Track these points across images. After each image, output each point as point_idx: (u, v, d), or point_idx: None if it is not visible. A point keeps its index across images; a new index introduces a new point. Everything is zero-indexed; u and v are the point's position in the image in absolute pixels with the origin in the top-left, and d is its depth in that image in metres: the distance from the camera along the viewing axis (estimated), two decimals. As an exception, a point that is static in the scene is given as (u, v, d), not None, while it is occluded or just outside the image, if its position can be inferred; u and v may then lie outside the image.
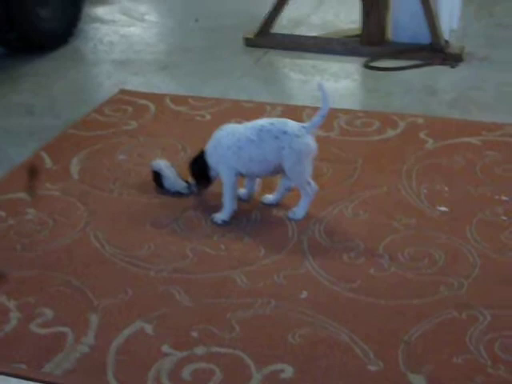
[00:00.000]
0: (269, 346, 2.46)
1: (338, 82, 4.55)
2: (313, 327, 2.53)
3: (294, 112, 3.93)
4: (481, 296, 2.64)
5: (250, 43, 5.10)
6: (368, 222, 3.08)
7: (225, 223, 3.10)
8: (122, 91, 4.38)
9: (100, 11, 5.87)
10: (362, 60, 4.77)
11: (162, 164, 3.33)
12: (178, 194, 3.29)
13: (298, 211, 3.11)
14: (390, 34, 4.97)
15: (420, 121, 3.92)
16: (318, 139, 3.71)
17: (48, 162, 3.60)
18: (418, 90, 4.40)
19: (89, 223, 3.12)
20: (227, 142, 3.08)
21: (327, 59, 4.86)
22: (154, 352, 2.45)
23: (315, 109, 4.02)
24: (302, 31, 5.31)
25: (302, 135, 3.02)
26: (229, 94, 4.33)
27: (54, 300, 2.69)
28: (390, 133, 3.82)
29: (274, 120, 3.11)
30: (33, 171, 3.40)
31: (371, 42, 4.89)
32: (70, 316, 2.61)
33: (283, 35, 5.18)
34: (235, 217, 3.12)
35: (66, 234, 3.06)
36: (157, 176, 3.32)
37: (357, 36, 5.02)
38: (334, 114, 4.00)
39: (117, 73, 4.74)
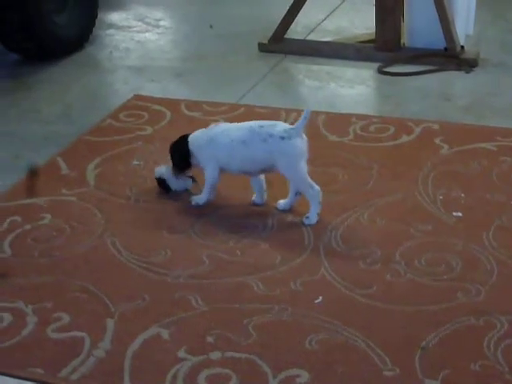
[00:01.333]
0: (285, 352, 2.46)
1: (353, 88, 4.55)
2: (329, 333, 2.52)
3: (309, 118, 3.92)
4: (498, 302, 2.63)
5: (264, 49, 5.11)
6: (384, 229, 3.08)
7: (198, 206, 3.23)
8: (137, 97, 4.40)
9: (115, 17, 5.89)
10: (377, 66, 4.77)
11: (163, 169, 3.36)
12: (186, 191, 3.35)
13: (311, 216, 3.12)
14: (405, 39, 4.96)
15: (435, 126, 3.92)
16: (333, 145, 3.75)
17: (64, 168, 3.62)
18: (432, 96, 4.39)
19: (106, 230, 3.13)
20: (222, 141, 3.15)
21: (342, 65, 4.86)
22: (170, 357, 2.45)
23: (330, 114, 4.06)
24: (316, 37, 5.31)
25: (289, 137, 3.05)
26: (243, 100, 4.34)
27: (71, 305, 2.70)
28: (405, 138, 3.82)
29: (264, 122, 3.17)
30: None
31: (386, 48, 4.89)
32: (87, 321, 2.62)
33: (297, 41, 5.19)
34: (251, 223, 3.13)
35: (83, 240, 3.07)
36: (162, 182, 3.35)
37: (371, 42, 5.02)
38: (348, 119, 4.02)
39: (132, 79, 4.76)
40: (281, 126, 3.10)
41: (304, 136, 3.10)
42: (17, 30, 4.76)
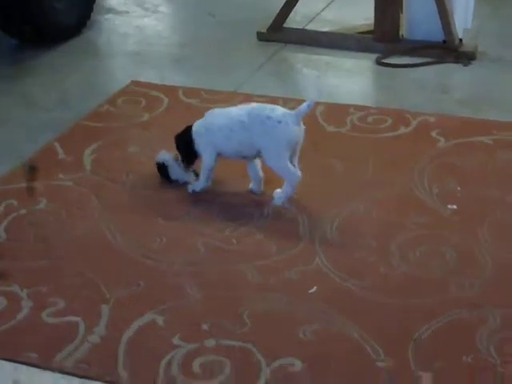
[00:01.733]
0: (279, 341, 2.47)
1: (351, 78, 4.56)
2: (323, 323, 2.54)
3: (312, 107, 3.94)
4: (491, 296, 2.65)
5: (262, 38, 5.10)
6: (379, 220, 3.09)
7: (195, 193, 3.25)
8: (135, 83, 4.39)
9: (113, 2, 5.88)
10: (376, 57, 4.77)
11: (167, 156, 3.35)
12: (186, 184, 3.32)
13: (278, 197, 3.15)
14: (404, 31, 4.96)
15: (432, 119, 3.92)
16: (330, 135, 3.76)
17: (61, 153, 3.62)
18: (430, 88, 4.40)
19: (102, 215, 3.13)
20: (219, 123, 3.16)
21: (341, 55, 4.86)
22: (164, 344, 2.46)
23: (329, 105, 4.06)
24: (315, 27, 5.30)
25: (286, 123, 3.05)
26: (241, 88, 4.34)
27: (66, 290, 2.70)
28: (402, 130, 3.82)
29: (265, 105, 3.16)
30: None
31: (385, 39, 4.89)
32: (82, 306, 2.63)
33: (296, 30, 5.18)
34: (247, 211, 3.14)
35: (79, 225, 3.07)
36: (163, 168, 3.34)
37: (370, 32, 5.02)
38: (346, 110, 4.02)
39: (130, 65, 4.75)
40: (280, 110, 3.10)
41: (302, 124, 3.11)
42: (15, 13, 4.74)
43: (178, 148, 3.30)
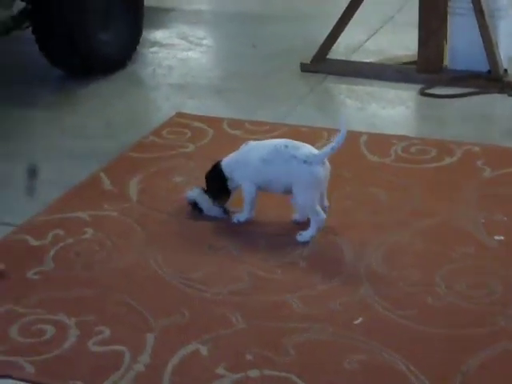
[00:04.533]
0: (323, 372, 2.46)
1: (394, 109, 4.55)
2: (368, 354, 2.52)
3: (351, 138, 3.88)
4: (540, 328, 2.61)
5: (305, 69, 5.13)
6: (425, 251, 3.07)
7: (239, 223, 3.26)
8: (179, 114, 4.44)
9: (159, 35, 5.96)
10: (418, 87, 4.76)
11: (196, 193, 3.36)
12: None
13: (304, 234, 3.13)
14: (448, 61, 4.95)
15: (476, 149, 3.90)
16: (374, 165, 3.75)
17: (107, 184, 3.66)
18: (474, 118, 4.37)
19: (147, 245, 3.16)
20: (249, 159, 3.19)
21: (383, 86, 4.86)
22: (208, 373, 2.46)
23: (372, 135, 4.06)
24: (358, 58, 5.32)
25: (310, 163, 3.05)
26: (285, 120, 4.36)
27: (112, 319, 2.72)
28: (447, 161, 3.80)
29: (290, 142, 3.16)
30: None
31: (428, 70, 4.88)
32: (127, 335, 2.64)
33: (339, 61, 5.19)
34: (291, 241, 3.14)
35: (125, 255, 3.10)
36: (196, 207, 3.36)
37: (412, 63, 5.02)
38: (389, 140, 4.01)
39: (174, 96, 4.80)
40: (305, 150, 3.10)
41: (327, 163, 3.11)
42: (62, 45, 4.84)
43: (209, 187, 3.30)
